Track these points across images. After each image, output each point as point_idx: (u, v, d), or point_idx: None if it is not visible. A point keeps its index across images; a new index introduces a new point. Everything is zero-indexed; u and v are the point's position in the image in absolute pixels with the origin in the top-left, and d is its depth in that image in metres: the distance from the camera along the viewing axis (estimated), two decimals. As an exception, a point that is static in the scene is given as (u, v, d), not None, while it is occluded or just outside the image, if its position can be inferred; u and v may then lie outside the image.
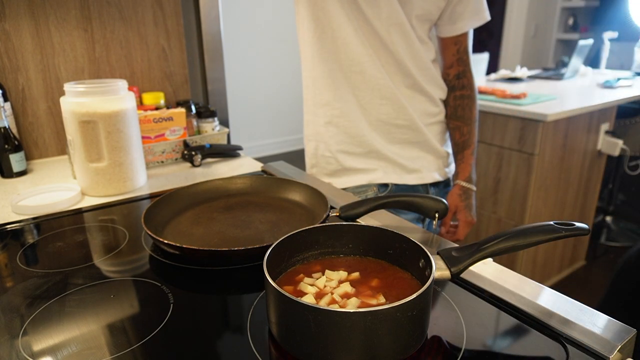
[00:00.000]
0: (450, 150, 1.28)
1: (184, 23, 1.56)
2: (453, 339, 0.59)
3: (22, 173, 1.25)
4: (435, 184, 1.25)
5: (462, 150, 1.25)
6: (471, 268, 0.60)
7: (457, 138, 1.25)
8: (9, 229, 0.92)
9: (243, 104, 3.72)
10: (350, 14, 1.09)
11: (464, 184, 1.24)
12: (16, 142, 1.22)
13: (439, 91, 1.22)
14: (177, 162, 1.37)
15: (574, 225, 0.60)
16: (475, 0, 1.14)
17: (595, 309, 0.62)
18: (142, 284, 0.72)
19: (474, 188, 1.25)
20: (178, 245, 0.74)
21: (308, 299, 0.57)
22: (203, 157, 1.34)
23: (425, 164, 1.22)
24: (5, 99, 1.29)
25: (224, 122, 1.67)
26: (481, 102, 1.26)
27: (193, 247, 0.73)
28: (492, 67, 4.52)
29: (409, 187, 1.22)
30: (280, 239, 0.63)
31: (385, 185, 1.21)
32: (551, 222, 0.61)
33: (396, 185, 1.21)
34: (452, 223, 1.27)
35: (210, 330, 0.62)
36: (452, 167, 1.30)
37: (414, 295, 0.50)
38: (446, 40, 1.19)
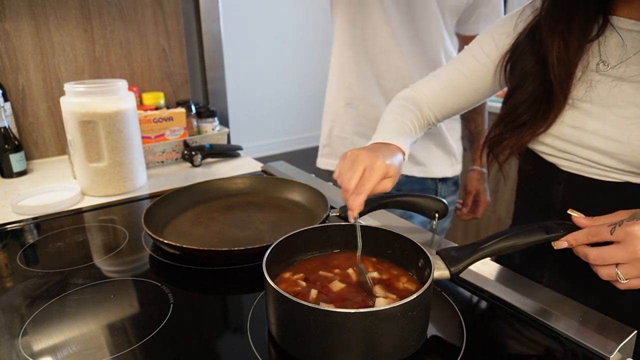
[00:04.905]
0: (460, 149, 1.33)
1: (184, 23, 1.56)
2: (453, 339, 0.59)
3: (22, 173, 1.25)
4: (444, 180, 1.28)
5: (477, 140, 1.33)
6: (471, 268, 0.60)
7: (472, 128, 1.33)
8: (9, 229, 0.92)
9: (243, 104, 3.72)
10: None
11: (481, 169, 1.32)
12: (16, 142, 1.22)
13: None
14: (177, 162, 1.37)
15: (573, 224, 0.60)
16: (499, 4, 1.17)
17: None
18: (142, 284, 0.72)
19: (487, 171, 1.35)
20: (178, 245, 0.74)
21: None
22: (203, 157, 1.34)
23: (434, 157, 1.25)
24: (5, 99, 1.29)
25: (224, 122, 1.67)
26: (482, 101, 1.28)
27: (193, 247, 0.73)
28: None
29: (417, 180, 1.25)
30: (280, 239, 0.63)
31: None
32: (550, 222, 0.61)
33: (405, 176, 1.24)
34: (458, 201, 1.36)
35: (210, 330, 0.62)
36: (460, 167, 1.34)
37: (414, 295, 0.50)
38: (467, 38, 1.20)
